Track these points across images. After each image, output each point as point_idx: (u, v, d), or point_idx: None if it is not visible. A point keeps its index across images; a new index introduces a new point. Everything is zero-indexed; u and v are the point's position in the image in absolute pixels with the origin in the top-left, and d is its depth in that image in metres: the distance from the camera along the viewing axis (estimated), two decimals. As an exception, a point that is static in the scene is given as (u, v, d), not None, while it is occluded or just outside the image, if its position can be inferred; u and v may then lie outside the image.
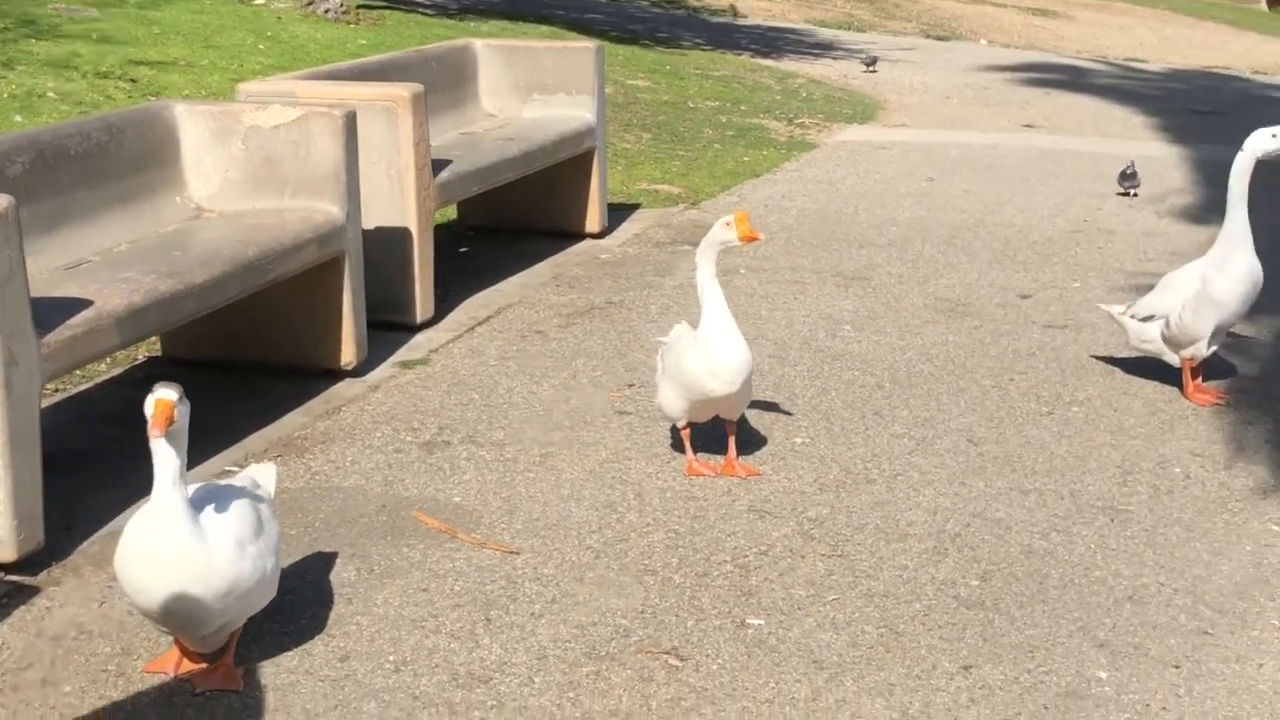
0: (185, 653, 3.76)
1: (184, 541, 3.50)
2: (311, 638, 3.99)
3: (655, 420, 5.56)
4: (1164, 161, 11.24)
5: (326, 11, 14.45)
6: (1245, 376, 6.33)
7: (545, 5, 19.39)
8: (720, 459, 5.19)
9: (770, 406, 5.78)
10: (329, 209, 5.76)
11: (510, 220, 8.40)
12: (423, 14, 16.26)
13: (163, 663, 3.77)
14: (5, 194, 4.18)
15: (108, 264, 4.98)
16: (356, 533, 4.62)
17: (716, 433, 5.29)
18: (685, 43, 17.65)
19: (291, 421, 5.52)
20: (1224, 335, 5.99)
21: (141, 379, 5.97)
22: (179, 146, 5.81)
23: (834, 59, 17.48)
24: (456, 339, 6.54)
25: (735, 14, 21.82)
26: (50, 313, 4.37)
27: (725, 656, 3.97)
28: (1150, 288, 6.24)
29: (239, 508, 3.66)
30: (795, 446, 5.42)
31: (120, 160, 5.49)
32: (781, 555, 4.57)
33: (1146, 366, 6.26)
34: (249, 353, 5.95)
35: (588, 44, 8.38)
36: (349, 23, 14.40)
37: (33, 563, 4.29)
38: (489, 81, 8.31)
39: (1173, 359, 5.99)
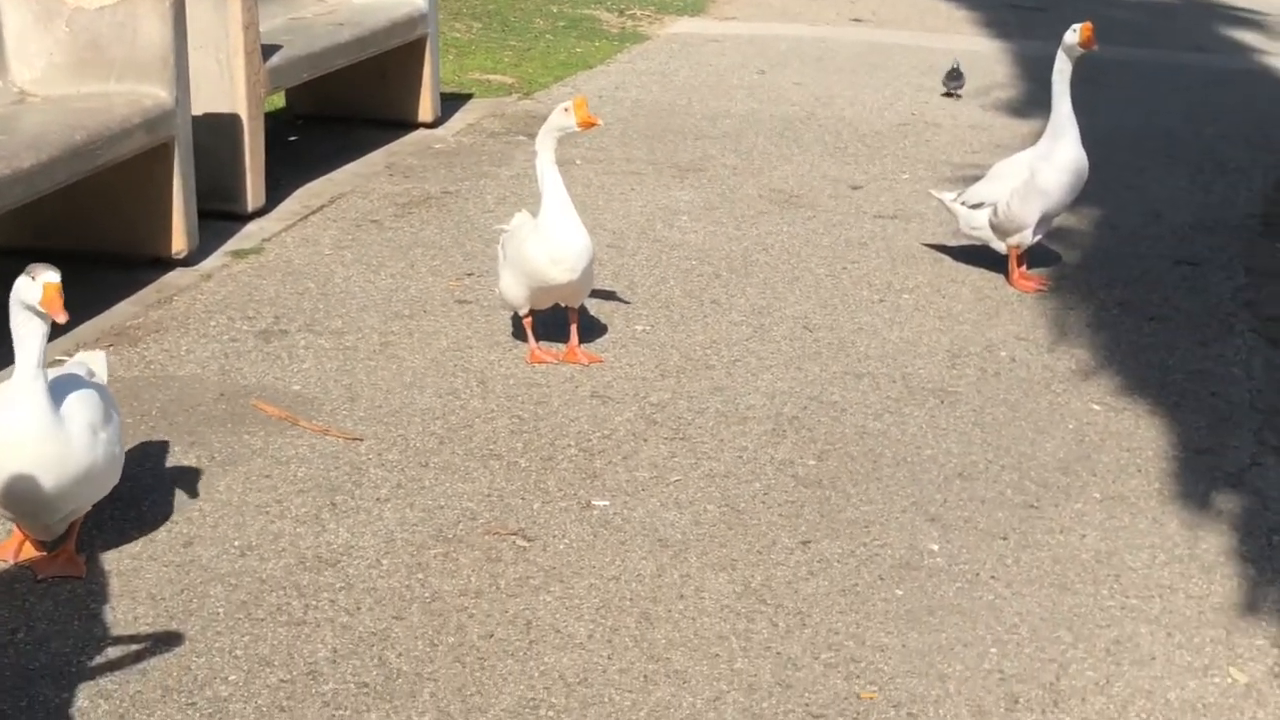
0: (26, 539, 3.70)
1: (46, 428, 3.45)
2: (154, 524, 3.96)
3: (496, 309, 5.57)
4: (988, 56, 11.44)
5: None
6: (1067, 264, 6.53)
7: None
8: (562, 347, 5.23)
9: (610, 295, 5.82)
10: (157, 93, 5.62)
11: (341, 109, 8.27)
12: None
13: (2, 550, 3.71)
14: None
15: (-72, 148, 4.82)
16: (195, 421, 4.58)
17: (558, 321, 5.32)
18: (514, -67, 17.38)
19: (123, 311, 5.42)
20: (1049, 224, 6.17)
21: (-37, 269, 5.80)
22: (1, 29, 5.60)
23: (663, -49, 17.37)
24: (289, 228, 6.46)
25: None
26: None
27: (572, 536, 4.04)
28: (976, 179, 6.40)
29: (89, 394, 3.61)
30: (636, 334, 5.48)
31: (-63, 41, 5.29)
32: (625, 439, 4.63)
33: (974, 255, 6.43)
34: (76, 241, 5.81)
35: (419, -71, 8.23)
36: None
37: None
38: (318, -34, 8.13)
39: (999, 246, 6.15)
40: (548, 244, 4.95)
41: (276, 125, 7.98)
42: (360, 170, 7.41)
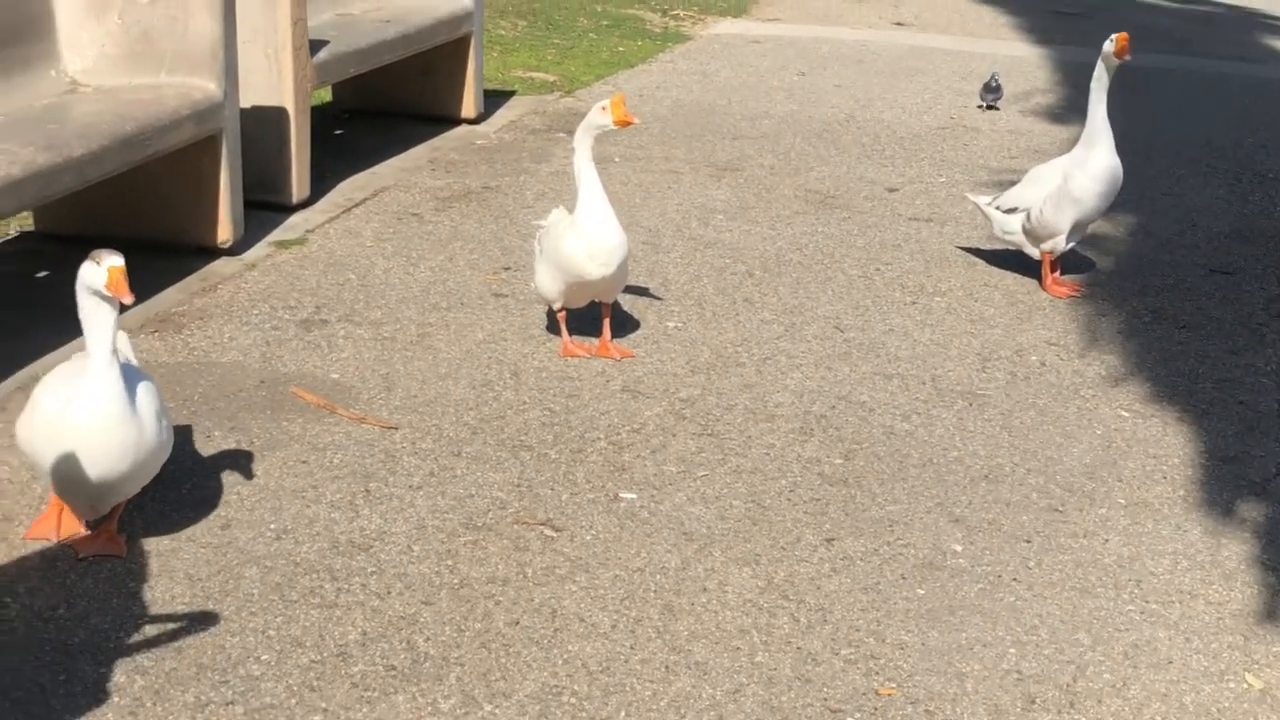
0: (63, 515, 3.80)
1: (126, 414, 3.53)
2: (193, 507, 4.05)
3: (531, 303, 5.66)
4: (1029, 61, 11.46)
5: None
6: (1101, 270, 6.57)
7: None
8: (595, 341, 5.31)
9: (644, 292, 5.90)
10: (206, 86, 5.73)
11: (386, 104, 8.38)
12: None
13: (43, 528, 3.81)
14: (-122, 60, 4.13)
15: (-19, 135, 4.93)
16: (236, 407, 4.68)
17: (591, 316, 5.40)
18: (561, -70, 17.48)
19: (168, 298, 5.53)
20: (1083, 231, 6.21)
21: (14, 253, 5.93)
22: (54, 19, 5.73)
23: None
24: (333, 220, 6.56)
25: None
26: (-75, 182, 4.34)
27: (599, 528, 4.11)
28: (1012, 184, 6.45)
29: (148, 381, 3.70)
30: (668, 330, 5.55)
31: (-8, 30, 5.41)
32: (654, 433, 4.71)
33: (1007, 259, 6.48)
34: (124, 229, 5.92)
35: (464, -73, 8.33)
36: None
37: (-91, 432, 4.30)
38: (365, -38, 8.24)
39: (1033, 252, 6.20)
40: (584, 240, 5.02)
41: (323, 119, 8.10)
42: (403, 165, 7.51)
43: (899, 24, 13.17)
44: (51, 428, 3.55)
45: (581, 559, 3.95)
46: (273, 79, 6.38)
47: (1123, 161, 6.05)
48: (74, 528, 3.80)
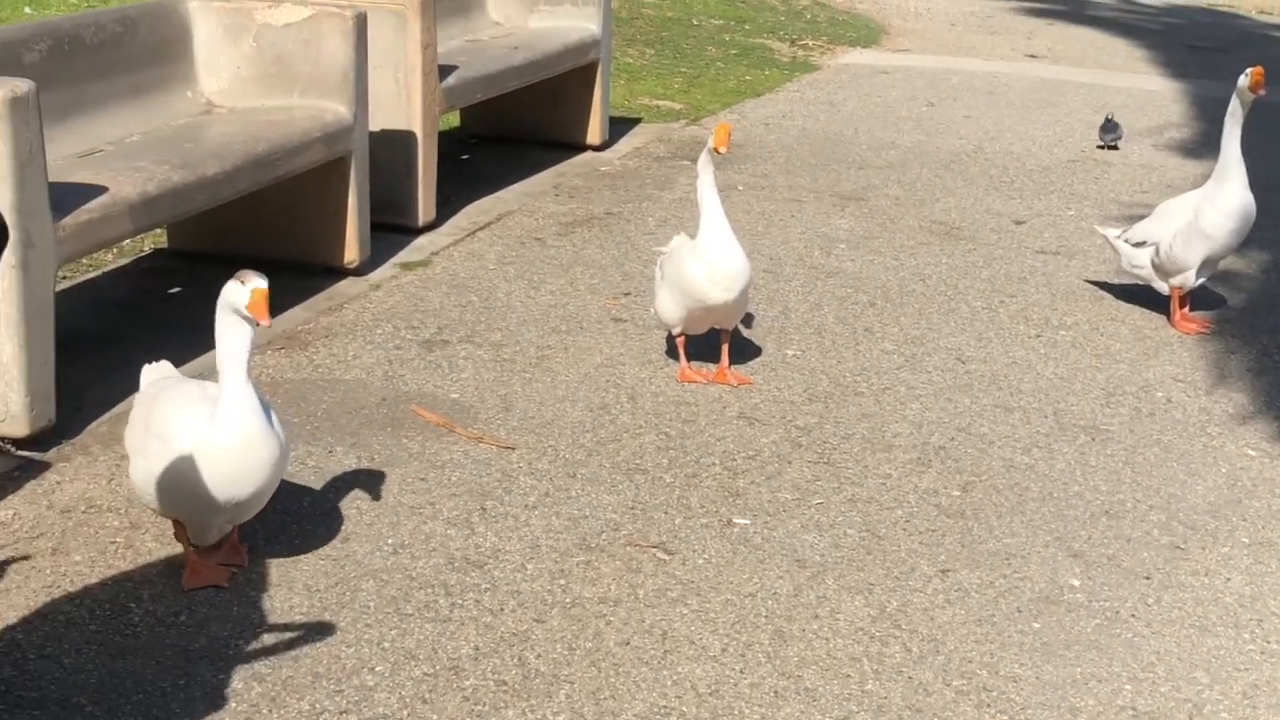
0: (202, 562, 3.82)
1: (269, 433, 3.60)
2: (314, 520, 4.12)
3: (650, 328, 5.68)
4: (1163, 95, 11.30)
5: (334, -85, 14.40)
6: (1231, 307, 6.45)
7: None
8: (712, 367, 5.32)
9: (763, 319, 5.90)
10: (337, 109, 5.84)
11: (512, 130, 8.48)
12: (430, -78, 16.18)
13: (201, 578, 3.79)
14: (24, 79, 4.26)
15: (121, 153, 5.08)
16: (357, 424, 4.75)
17: (709, 342, 5.41)
18: (692, -39, 17.58)
19: (295, 316, 5.64)
20: (1213, 267, 6.10)
21: (148, 270, 6.08)
22: (192, 41, 5.89)
23: (840, -18, 17.44)
24: (457, 243, 6.65)
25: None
26: (66, 197, 4.47)
27: (711, 552, 4.12)
28: (1143, 218, 6.35)
29: (266, 401, 3.76)
30: (786, 358, 5.54)
31: (134, 52, 5.57)
32: (769, 460, 4.70)
33: (1135, 294, 6.39)
34: (254, 248, 6.05)
35: (596, -45, 8.41)
36: (356, -73, 14.35)
37: (43, 440, 4.43)
38: (497, -10, 8.36)
39: (1161, 286, 6.11)
40: (706, 264, 5.04)
41: (450, 144, 8.21)
42: (528, 189, 7.59)
43: (1031, 56, 13.06)
44: (193, 456, 3.56)
45: (693, 582, 3.96)
46: (402, 103, 6.48)
47: (1255, 197, 5.94)
48: (222, 573, 3.84)
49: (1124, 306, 6.33)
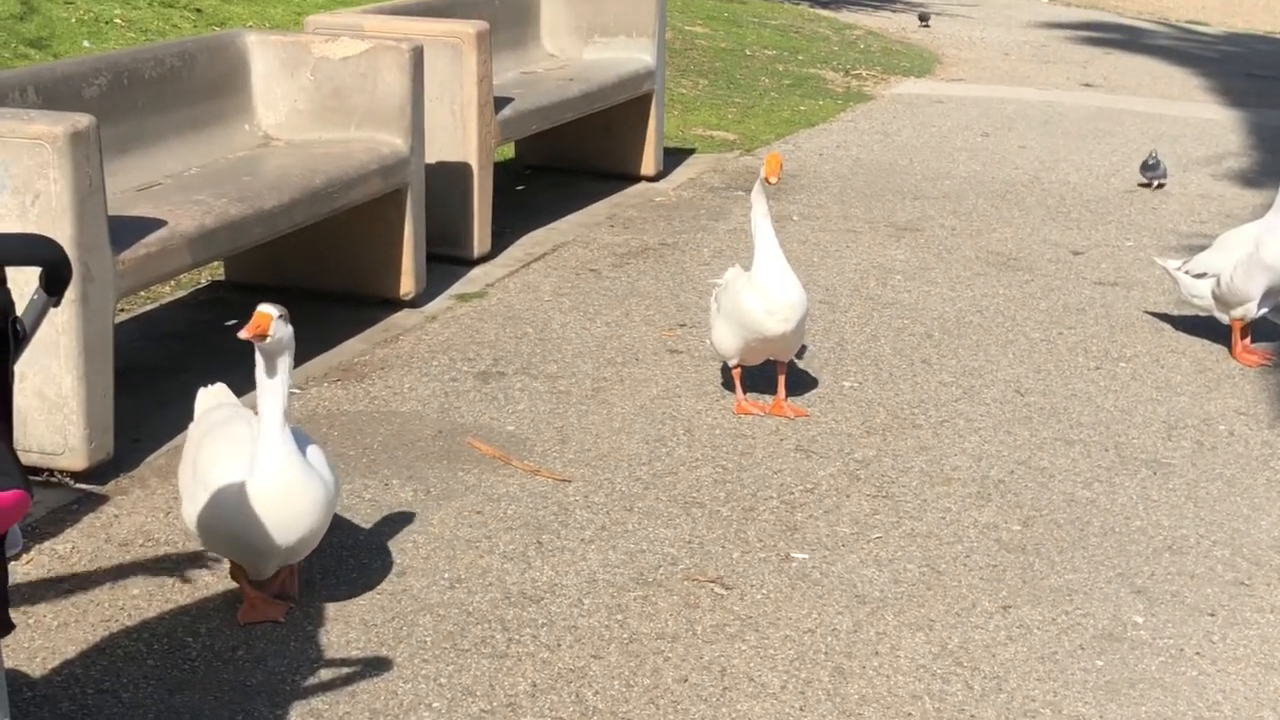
0: (259, 596, 3.82)
1: (309, 477, 3.57)
2: (370, 554, 4.12)
3: (706, 359, 5.66)
4: (1221, 124, 11.21)
5: (389, -52, 14.49)
6: (1293, 339, 6.37)
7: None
8: (769, 399, 5.29)
9: (819, 351, 5.86)
10: (394, 141, 5.86)
11: (567, 161, 8.49)
12: (484, -46, 16.27)
13: (259, 613, 3.79)
14: (85, 114, 4.30)
15: (179, 187, 5.11)
16: (413, 456, 4.75)
17: (765, 374, 5.38)
18: (744, -9, 17.61)
19: (350, 348, 5.65)
20: (1276, 298, 6.02)
21: (206, 302, 6.11)
22: (249, 75, 5.92)
23: (893, 12, 17.43)
24: (512, 274, 6.65)
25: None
26: (125, 231, 4.50)
27: (770, 587, 4.08)
28: (1203, 249, 6.28)
29: (312, 440, 3.75)
30: (843, 390, 5.51)
31: (193, 86, 5.60)
32: (827, 494, 4.67)
33: (1196, 325, 6.31)
34: (310, 280, 6.08)
35: (650, -13, 8.42)
36: (411, -40, 14.44)
37: (101, 472, 4.44)
38: (551, 22, 8.38)
39: (1223, 317, 6.03)
40: (763, 296, 5.02)
41: (505, 175, 8.23)
42: (582, 220, 7.60)
43: (1087, 85, 12.99)
44: (235, 504, 3.55)
45: (752, 618, 3.92)
46: (458, 135, 6.50)
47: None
48: (279, 608, 3.83)
49: (1184, 338, 6.26)
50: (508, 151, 8.61)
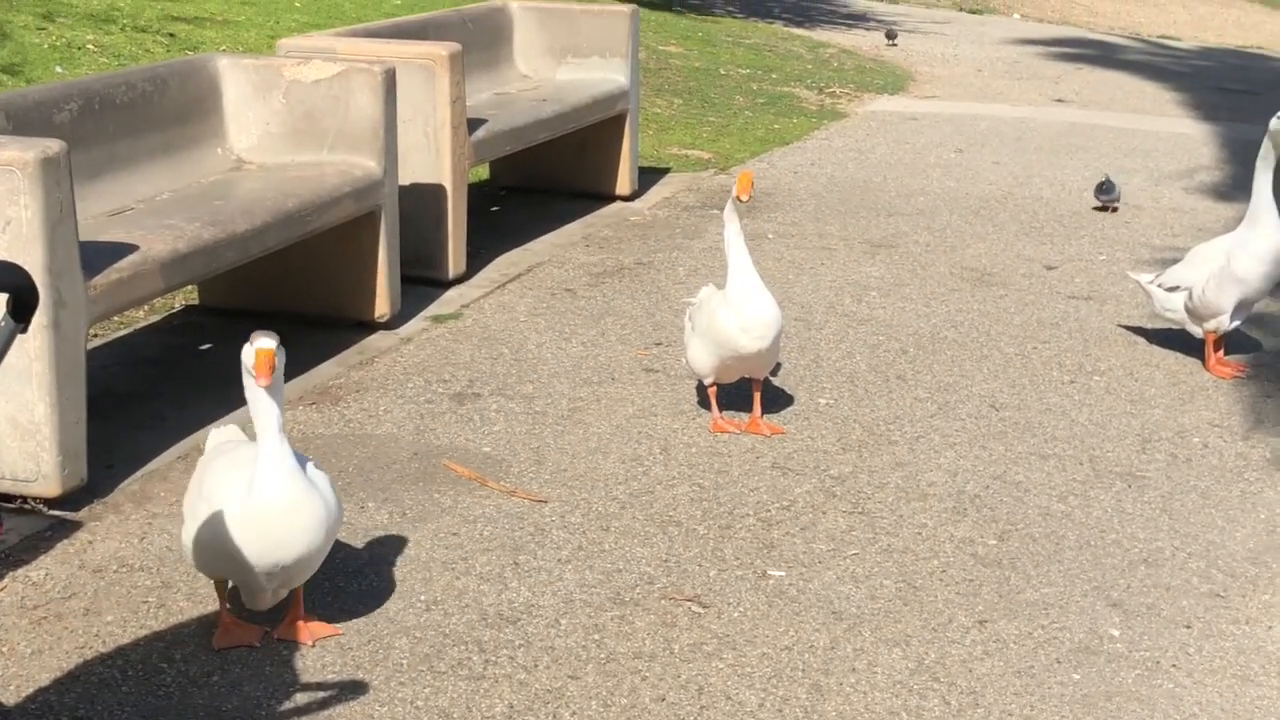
0: (234, 621, 3.79)
1: (310, 495, 3.56)
2: (346, 577, 4.10)
3: (682, 378, 5.66)
4: (1193, 139, 11.27)
5: (362, -29, 14.50)
6: (1267, 351, 6.40)
7: (579, -30, 19.40)
8: (745, 417, 5.29)
9: (795, 368, 5.87)
10: (367, 164, 5.86)
11: (542, 181, 8.50)
12: (457, -24, 16.31)
13: (238, 636, 3.76)
14: (56, 139, 4.29)
15: (151, 211, 5.10)
16: (389, 479, 4.74)
17: (742, 392, 5.39)
18: (718, 10, 17.68)
19: (326, 371, 5.64)
20: (1247, 310, 6.05)
21: (179, 326, 6.10)
22: (221, 99, 5.92)
23: (866, 30, 17.49)
24: (488, 295, 6.65)
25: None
26: (96, 256, 4.48)
27: (746, 605, 4.08)
28: (1175, 262, 6.31)
29: (309, 458, 3.74)
30: (819, 407, 5.51)
31: (164, 111, 5.60)
32: (803, 511, 4.67)
33: (1169, 338, 6.34)
34: (284, 303, 6.06)
35: (622, 8, 8.44)
36: (384, -17, 14.44)
37: (75, 499, 4.42)
38: (524, 43, 8.39)
39: (1196, 330, 6.06)
40: (738, 313, 5.02)
41: (480, 196, 8.24)
42: (558, 240, 7.60)
43: (1060, 100, 13.05)
44: (236, 521, 3.54)
45: (729, 636, 3.92)
46: (431, 157, 6.50)
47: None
48: (253, 633, 3.82)
49: (1158, 351, 6.29)
50: (482, 172, 8.62)
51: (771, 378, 5.67)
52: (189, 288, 6.25)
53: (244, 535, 3.54)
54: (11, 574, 4.03)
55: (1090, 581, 4.30)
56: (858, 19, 18.62)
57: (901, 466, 5.03)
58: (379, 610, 3.95)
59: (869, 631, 3.98)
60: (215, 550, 3.60)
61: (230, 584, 3.84)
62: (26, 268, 3.06)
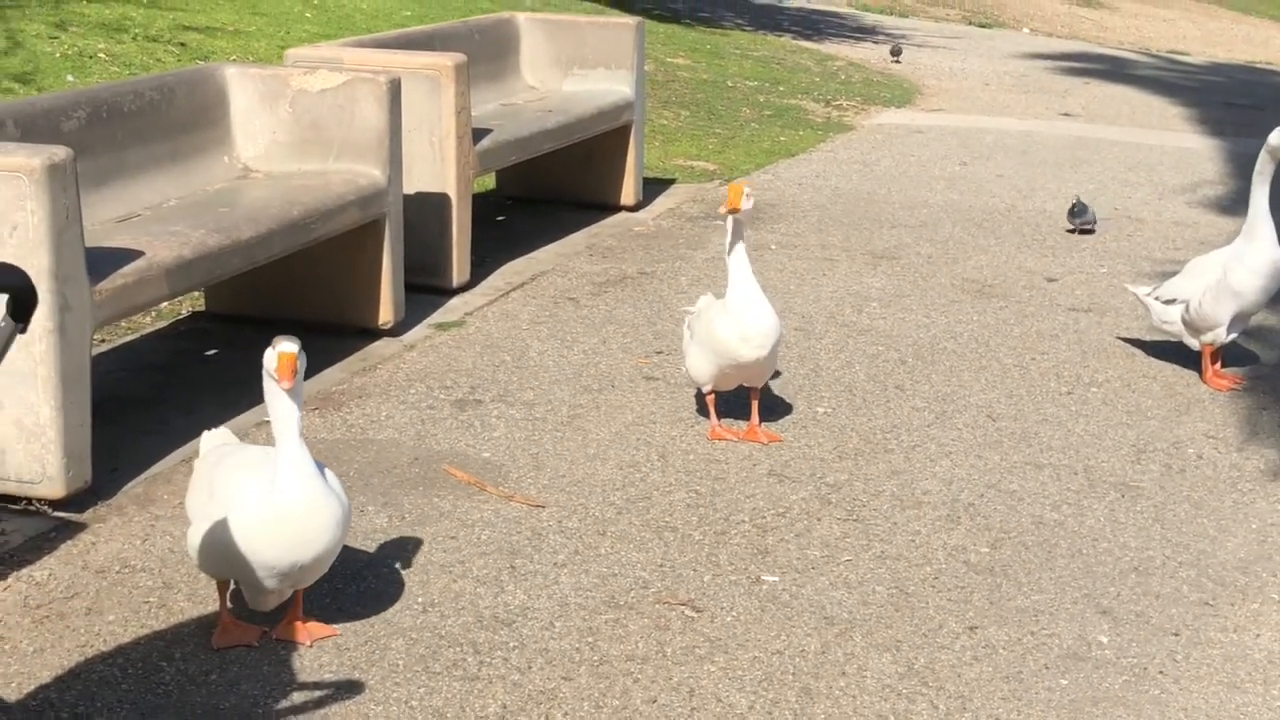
0: (233, 621, 3.85)
1: (328, 496, 3.63)
2: (344, 579, 4.16)
3: (681, 386, 5.72)
4: (1199, 153, 11.31)
5: (373, -18, 14.59)
6: (1264, 364, 6.44)
7: (590, -18, 19.50)
8: (743, 425, 5.34)
9: (794, 377, 5.92)
10: (372, 172, 5.93)
11: (547, 191, 8.56)
12: (468, -13, 16.39)
13: (237, 635, 3.82)
14: (63, 146, 4.35)
15: (158, 218, 5.17)
16: (389, 483, 4.80)
17: (740, 400, 5.44)
18: (726, 23, 17.76)
19: (329, 377, 5.70)
20: (1244, 323, 6.10)
21: (186, 332, 6.17)
22: (229, 108, 5.99)
23: (875, 43, 17.56)
24: (491, 303, 6.71)
25: (780, -5, 21.90)
26: (103, 262, 4.55)
27: (740, 609, 4.13)
28: (1175, 275, 6.35)
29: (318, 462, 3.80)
30: (817, 415, 5.57)
31: (172, 119, 5.67)
32: (798, 517, 4.72)
33: (1167, 350, 6.38)
34: (289, 310, 6.13)
35: (628, 20, 8.52)
36: (395, -6, 14.54)
37: (79, 501, 4.49)
38: (531, 54, 8.47)
39: (1193, 343, 6.10)
40: (738, 322, 5.08)
41: (485, 205, 8.30)
42: (562, 250, 7.66)
43: (1066, 114, 13.09)
44: (256, 521, 3.60)
45: (721, 640, 3.97)
46: (436, 166, 6.57)
47: (1284, 253, 5.94)
48: (252, 632, 3.88)
49: (1155, 363, 6.33)
50: (489, 182, 8.69)
51: (770, 386, 5.72)
52: (196, 295, 6.32)
53: (265, 535, 3.60)
54: (15, 574, 4.09)
55: (1081, 589, 4.35)
56: (866, 32, 18.69)
57: (897, 475, 5.08)
58: (376, 612, 4.00)
59: (860, 636, 4.03)
60: (230, 551, 3.65)
61: (232, 585, 3.91)
62: (29, 271, 3.11)
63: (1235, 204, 9.37)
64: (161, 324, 6.23)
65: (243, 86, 6.02)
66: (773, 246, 7.87)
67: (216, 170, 5.87)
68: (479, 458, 5.03)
